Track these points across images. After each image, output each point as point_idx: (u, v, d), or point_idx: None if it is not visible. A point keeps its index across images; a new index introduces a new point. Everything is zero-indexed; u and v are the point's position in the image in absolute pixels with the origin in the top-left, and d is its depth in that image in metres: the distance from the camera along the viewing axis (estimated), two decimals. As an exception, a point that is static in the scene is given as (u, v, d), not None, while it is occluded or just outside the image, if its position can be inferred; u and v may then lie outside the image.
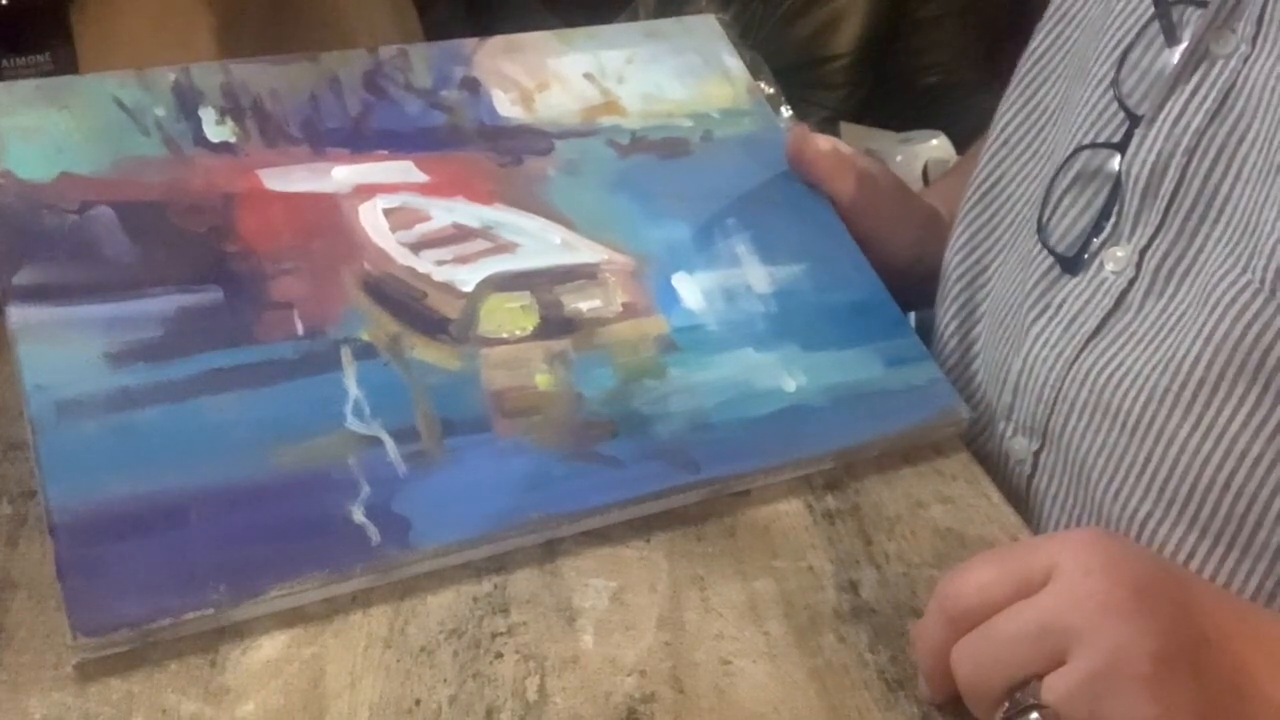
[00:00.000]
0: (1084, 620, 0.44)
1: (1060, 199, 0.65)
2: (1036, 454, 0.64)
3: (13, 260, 0.56)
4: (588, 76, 0.72)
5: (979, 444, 0.66)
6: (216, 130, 0.63)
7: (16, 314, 0.55)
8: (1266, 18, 0.58)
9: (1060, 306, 0.63)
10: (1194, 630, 0.45)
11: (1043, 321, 0.64)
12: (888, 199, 0.74)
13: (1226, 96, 0.59)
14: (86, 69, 0.78)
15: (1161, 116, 0.60)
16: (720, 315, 0.64)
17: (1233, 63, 0.59)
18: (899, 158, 1.51)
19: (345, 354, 0.57)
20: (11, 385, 0.57)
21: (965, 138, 0.74)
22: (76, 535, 0.49)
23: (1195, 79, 0.60)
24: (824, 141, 0.72)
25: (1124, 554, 0.46)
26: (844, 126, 1.71)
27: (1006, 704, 0.45)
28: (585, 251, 0.64)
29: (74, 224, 0.58)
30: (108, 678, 0.48)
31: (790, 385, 0.62)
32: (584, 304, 0.62)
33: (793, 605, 0.54)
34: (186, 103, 0.64)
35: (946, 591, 0.48)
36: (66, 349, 0.54)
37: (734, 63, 0.76)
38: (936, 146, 1.52)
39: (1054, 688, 0.44)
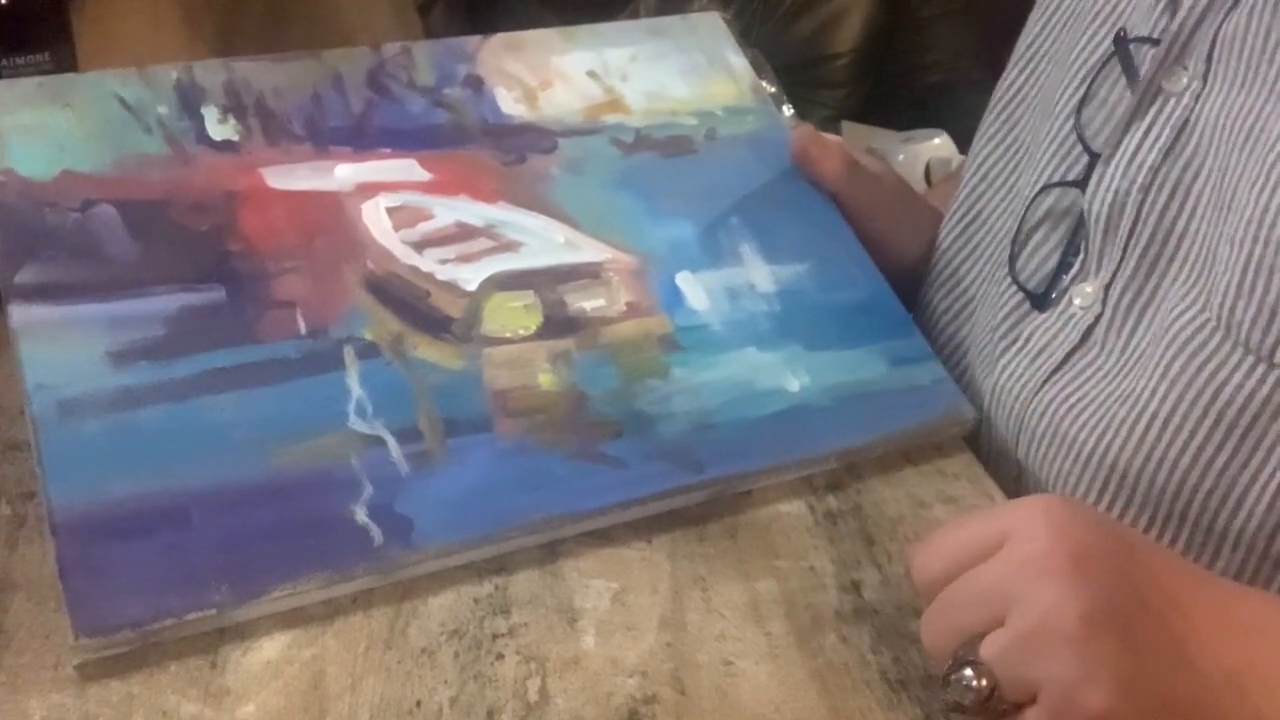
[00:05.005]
0: (1021, 584, 0.46)
1: (1030, 236, 0.65)
2: (1014, 481, 0.64)
3: (14, 259, 0.56)
4: (591, 74, 0.72)
5: None
6: (219, 128, 0.63)
7: (18, 313, 0.54)
8: (1216, 55, 0.59)
9: (1028, 340, 0.64)
10: (1129, 595, 0.45)
11: (1011, 353, 0.65)
12: (892, 199, 0.74)
13: (1180, 134, 0.59)
14: (86, 69, 0.77)
15: (1118, 154, 0.61)
16: (724, 315, 0.64)
17: (1185, 100, 0.59)
18: (901, 157, 1.51)
19: (348, 353, 0.57)
20: (10, 385, 0.57)
21: (967, 136, 0.74)
22: (78, 535, 0.49)
23: (1149, 116, 0.60)
24: (830, 142, 0.72)
25: (1071, 521, 0.47)
26: (845, 125, 1.70)
27: (950, 660, 0.46)
28: (589, 250, 0.64)
29: (76, 222, 0.58)
30: (108, 679, 0.48)
31: (794, 385, 0.62)
32: (587, 303, 0.62)
33: (794, 606, 0.54)
34: (189, 101, 0.63)
35: (915, 564, 0.50)
36: (68, 348, 0.54)
37: (738, 61, 0.76)
38: (938, 145, 1.52)
39: (990, 646, 0.46)
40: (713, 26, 0.78)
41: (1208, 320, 0.55)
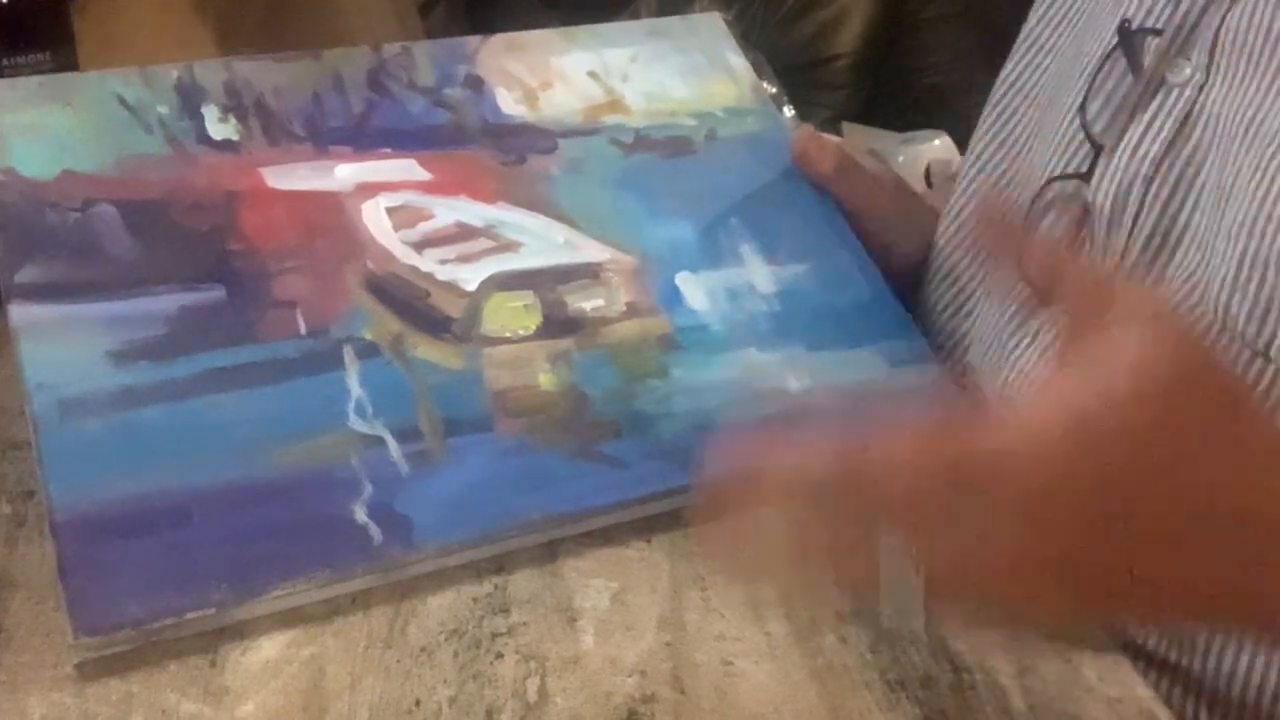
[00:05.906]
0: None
1: (1035, 228, 0.65)
2: None
3: (15, 258, 0.56)
4: (591, 75, 0.72)
5: None
6: (219, 128, 0.63)
7: (19, 312, 0.54)
8: (1219, 46, 0.58)
9: (1037, 334, 0.64)
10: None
11: (1021, 349, 0.64)
12: (892, 201, 0.74)
13: (1183, 125, 0.59)
14: (87, 68, 0.78)
15: (1121, 146, 0.61)
16: (724, 315, 0.64)
17: (1188, 91, 0.59)
18: (901, 158, 1.51)
19: (348, 353, 0.57)
20: (10, 385, 0.57)
21: (967, 138, 0.74)
22: (79, 534, 0.49)
23: (1152, 108, 0.60)
24: (830, 142, 0.72)
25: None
26: (846, 127, 1.71)
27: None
28: (588, 251, 0.64)
29: (76, 222, 0.58)
30: (107, 678, 0.48)
31: (794, 385, 0.62)
32: (587, 303, 0.62)
33: (793, 606, 0.54)
34: (189, 100, 0.63)
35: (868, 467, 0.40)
36: (69, 347, 0.54)
37: (738, 61, 0.76)
38: (939, 147, 1.52)
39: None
40: (713, 27, 0.78)
41: (1204, 314, 0.55)
